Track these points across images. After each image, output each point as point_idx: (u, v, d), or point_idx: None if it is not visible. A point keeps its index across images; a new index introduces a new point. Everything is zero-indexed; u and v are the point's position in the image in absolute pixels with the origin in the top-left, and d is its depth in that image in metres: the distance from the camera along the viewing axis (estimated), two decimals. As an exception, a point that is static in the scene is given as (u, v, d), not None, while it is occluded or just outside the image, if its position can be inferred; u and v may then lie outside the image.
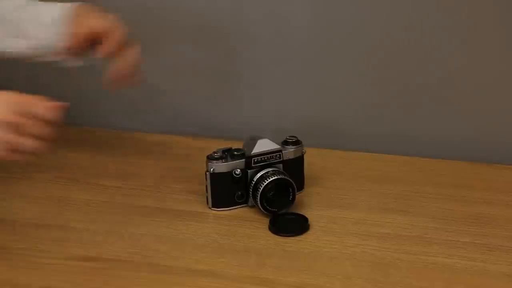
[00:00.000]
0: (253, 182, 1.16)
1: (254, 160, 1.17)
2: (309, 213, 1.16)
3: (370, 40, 1.36)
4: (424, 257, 1.07)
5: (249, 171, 1.17)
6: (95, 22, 1.16)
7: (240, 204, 1.19)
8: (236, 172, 1.16)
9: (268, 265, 1.05)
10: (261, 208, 1.15)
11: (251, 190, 1.17)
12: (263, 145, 1.18)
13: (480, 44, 1.32)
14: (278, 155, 1.18)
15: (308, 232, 1.13)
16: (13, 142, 0.98)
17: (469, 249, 1.08)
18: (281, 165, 1.19)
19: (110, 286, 1.02)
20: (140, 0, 1.41)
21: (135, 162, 1.34)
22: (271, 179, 1.15)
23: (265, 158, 1.18)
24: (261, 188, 1.14)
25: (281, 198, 1.16)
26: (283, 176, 1.15)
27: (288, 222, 1.15)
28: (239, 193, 1.18)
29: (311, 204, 1.21)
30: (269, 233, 1.13)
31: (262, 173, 1.16)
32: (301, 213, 1.16)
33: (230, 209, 1.18)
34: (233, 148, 1.18)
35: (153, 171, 1.30)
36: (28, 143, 0.98)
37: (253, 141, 1.18)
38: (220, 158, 1.16)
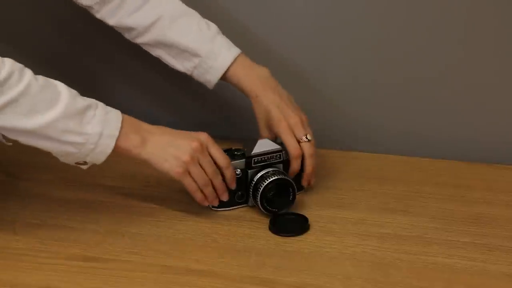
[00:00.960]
0: (253, 182, 1.16)
1: (254, 160, 1.17)
2: (309, 213, 1.16)
3: (370, 40, 1.36)
4: (424, 257, 1.07)
5: (249, 171, 1.17)
6: (285, 137, 1.20)
7: (240, 204, 1.19)
8: (237, 172, 1.16)
9: (268, 265, 1.05)
10: (261, 208, 1.15)
11: (251, 190, 1.17)
12: (263, 145, 1.18)
13: (480, 44, 1.32)
14: (278, 155, 1.18)
15: (308, 232, 1.13)
16: (190, 167, 1.10)
17: (469, 249, 1.08)
18: (281, 165, 1.19)
19: (110, 286, 1.02)
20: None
21: (135, 162, 1.33)
22: (271, 179, 1.14)
23: (265, 158, 1.17)
24: (261, 188, 1.14)
25: (281, 198, 1.16)
26: (283, 176, 1.15)
27: (288, 222, 1.15)
28: (239, 193, 1.18)
29: (311, 204, 1.21)
30: (269, 233, 1.13)
31: (262, 173, 1.16)
32: (301, 213, 1.16)
33: (230, 209, 1.18)
34: (233, 148, 1.18)
35: (153, 171, 1.30)
36: (203, 176, 1.11)
37: (253, 141, 1.18)
38: None
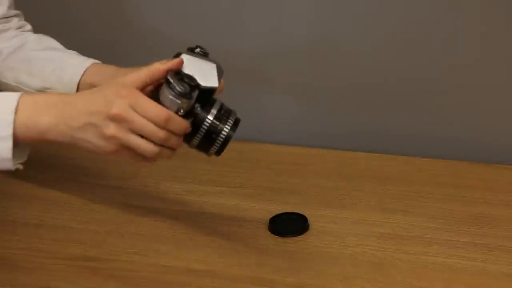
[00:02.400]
0: (205, 125, 0.94)
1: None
2: (309, 213, 1.16)
3: (370, 41, 1.36)
4: (424, 257, 1.07)
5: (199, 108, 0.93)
6: None
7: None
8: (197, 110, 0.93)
9: (268, 265, 1.05)
10: (211, 152, 0.96)
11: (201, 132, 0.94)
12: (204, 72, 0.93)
13: (480, 44, 1.32)
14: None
15: (308, 232, 1.13)
16: (124, 140, 0.88)
17: (469, 249, 1.08)
18: None
19: (110, 286, 1.02)
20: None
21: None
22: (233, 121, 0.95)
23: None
24: (224, 136, 0.94)
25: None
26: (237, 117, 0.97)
27: (288, 222, 1.15)
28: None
29: (311, 204, 1.21)
30: (269, 233, 1.13)
31: (216, 112, 0.94)
32: (301, 213, 1.16)
33: None
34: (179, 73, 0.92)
35: (153, 171, 1.30)
36: (141, 144, 0.89)
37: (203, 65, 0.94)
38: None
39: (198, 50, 0.96)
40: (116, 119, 0.87)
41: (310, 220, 1.15)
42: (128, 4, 1.43)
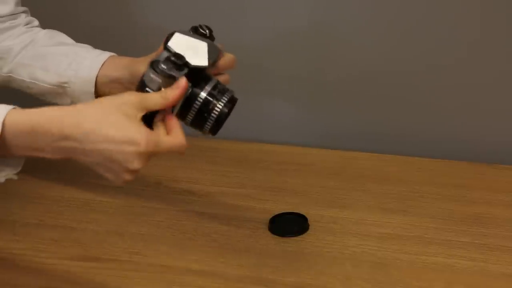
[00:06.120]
0: (199, 103, 0.92)
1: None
2: (309, 213, 1.16)
3: (370, 41, 1.36)
4: (424, 257, 1.07)
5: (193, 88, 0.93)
6: None
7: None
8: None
9: (268, 265, 1.05)
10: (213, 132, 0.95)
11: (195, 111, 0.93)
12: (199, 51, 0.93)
13: (481, 44, 1.32)
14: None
15: (308, 232, 1.13)
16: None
17: (469, 249, 1.09)
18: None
19: (110, 286, 1.02)
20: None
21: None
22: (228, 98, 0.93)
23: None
24: (218, 112, 0.93)
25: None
26: (232, 94, 0.95)
27: (288, 222, 1.15)
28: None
29: (311, 204, 1.21)
30: (269, 233, 1.13)
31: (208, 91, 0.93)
32: (301, 213, 1.16)
33: None
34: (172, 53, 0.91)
35: (154, 171, 1.30)
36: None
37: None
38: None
39: (200, 29, 0.95)
40: (136, 171, 0.87)
41: (310, 220, 1.15)
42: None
